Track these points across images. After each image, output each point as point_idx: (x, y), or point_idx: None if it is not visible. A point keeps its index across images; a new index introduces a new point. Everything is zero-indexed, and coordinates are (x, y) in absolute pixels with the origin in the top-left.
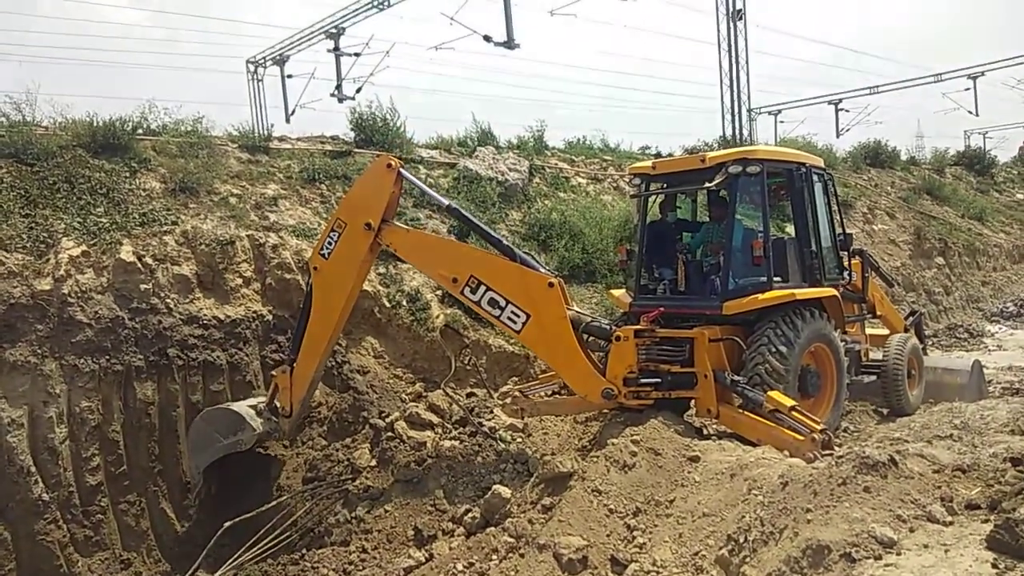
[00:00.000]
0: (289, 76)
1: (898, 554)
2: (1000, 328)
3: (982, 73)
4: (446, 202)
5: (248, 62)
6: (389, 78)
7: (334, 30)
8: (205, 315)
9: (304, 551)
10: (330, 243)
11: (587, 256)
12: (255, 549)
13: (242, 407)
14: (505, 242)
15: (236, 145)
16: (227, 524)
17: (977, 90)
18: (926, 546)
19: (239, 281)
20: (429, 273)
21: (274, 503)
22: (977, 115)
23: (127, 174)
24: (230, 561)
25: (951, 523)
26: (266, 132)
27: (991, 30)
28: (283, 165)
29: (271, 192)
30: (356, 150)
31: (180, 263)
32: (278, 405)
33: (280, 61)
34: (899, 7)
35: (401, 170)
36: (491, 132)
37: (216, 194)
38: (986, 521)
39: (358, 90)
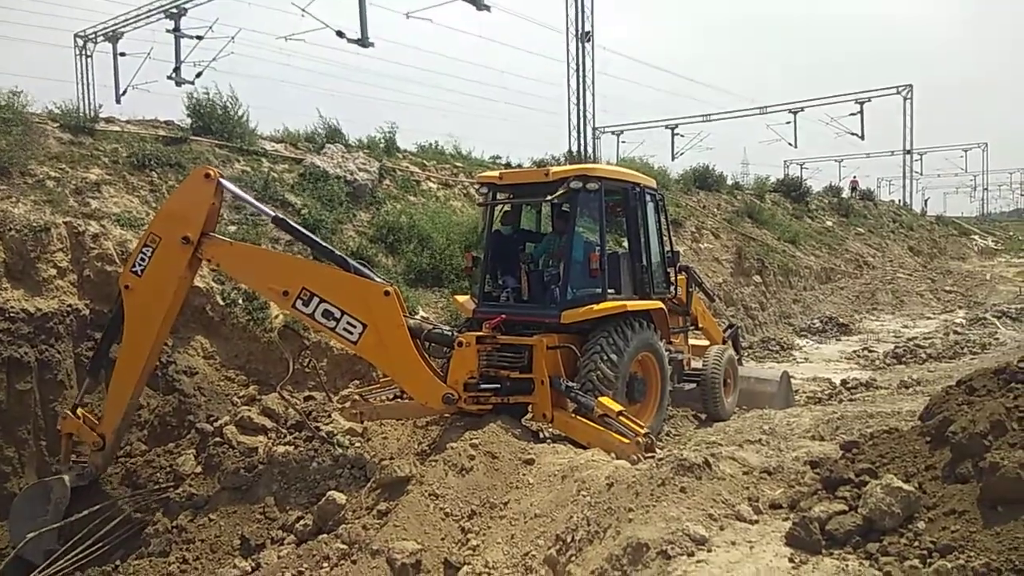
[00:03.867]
0: (122, 54)
1: (709, 551)
2: (808, 342)
3: (802, 109)
4: (272, 213)
5: (77, 36)
6: (233, 65)
7: (175, 10)
8: (12, 307)
9: (119, 562)
10: (143, 259)
11: (435, 261)
12: (63, 560)
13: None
14: (337, 252)
15: (57, 124)
16: (31, 535)
17: (797, 124)
18: (733, 543)
19: (53, 272)
20: (257, 288)
21: (86, 512)
22: (796, 147)
23: None
24: (36, 572)
25: (756, 521)
26: (92, 112)
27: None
28: (109, 149)
29: (94, 177)
30: (193, 137)
31: None
32: (79, 450)
33: (113, 38)
34: (735, 42)
35: (221, 180)
36: (340, 129)
37: (31, 176)
38: (787, 519)
39: (198, 75)
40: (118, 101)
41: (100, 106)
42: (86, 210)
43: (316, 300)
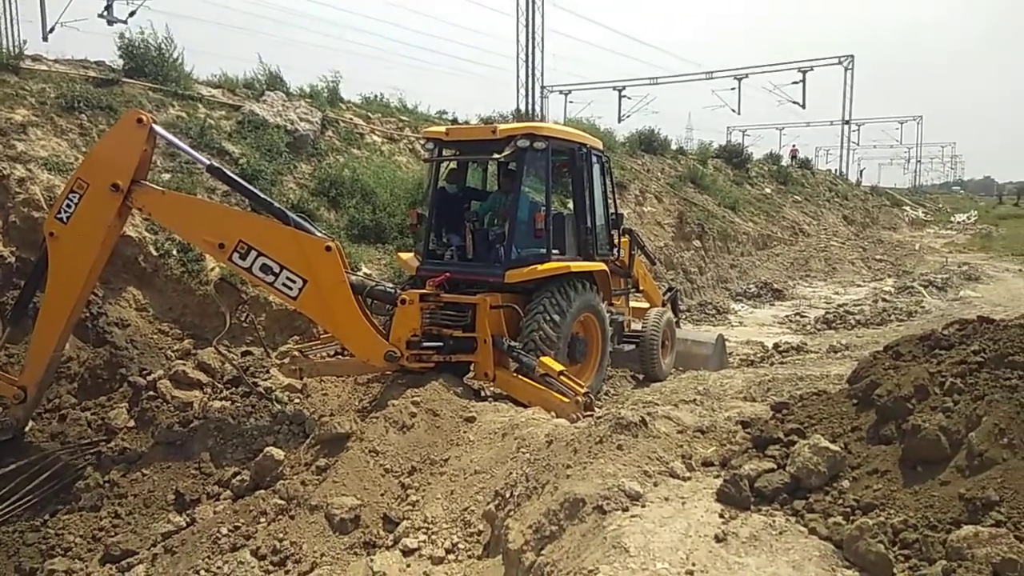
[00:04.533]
0: None
1: (643, 506)
2: (743, 307)
3: (746, 75)
4: (207, 161)
5: None
6: (169, 4)
7: None
8: None
9: (48, 517)
10: (69, 206)
11: (377, 217)
12: None
13: None
14: (276, 204)
15: None
16: None
17: (741, 91)
18: (667, 499)
19: None
20: (191, 239)
21: (13, 466)
22: (739, 114)
23: None
24: None
25: (689, 478)
26: (16, 50)
27: (758, 34)
28: (36, 89)
29: (19, 118)
30: (125, 79)
31: None
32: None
33: None
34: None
35: (154, 126)
36: (281, 77)
37: None
38: (718, 477)
39: (131, 13)
40: (45, 39)
41: (25, 42)
42: (11, 153)
43: (254, 254)
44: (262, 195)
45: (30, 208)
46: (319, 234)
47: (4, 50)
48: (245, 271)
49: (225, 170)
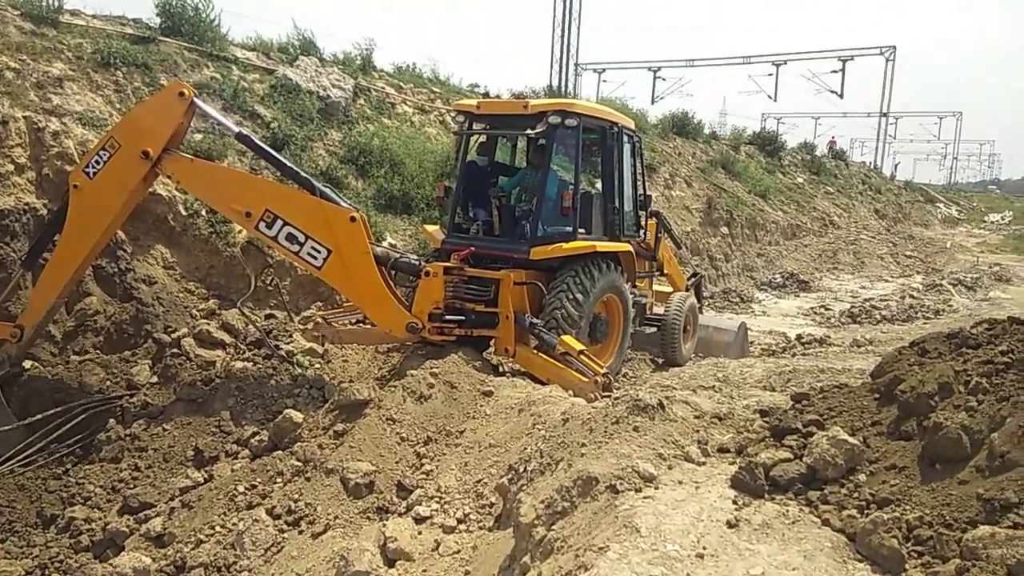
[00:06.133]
0: None
1: (656, 488)
2: (767, 296)
3: (785, 62)
4: (235, 129)
5: None
6: None
7: None
8: None
9: (69, 466)
10: (98, 162)
11: (405, 188)
12: (10, 463)
13: None
14: (303, 174)
15: (18, 12)
16: None
17: (778, 77)
18: (680, 482)
19: (10, 167)
20: (219, 207)
21: (39, 417)
22: (775, 100)
23: None
24: None
25: (704, 463)
26: (56, 3)
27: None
28: (74, 43)
29: (56, 72)
30: (161, 38)
31: None
32: None
33: None
34: None
35: (195, 99)
36: (315, 42)
37: None
38: (732, 463)
39: None
40: None
41: None
42: (47, 106)
43: (280, 223)
44: (289, 164)
45: (63, 161)
46: (345, 204)
47: (45, 3)
48: (271, 240)
49: (253, 138)
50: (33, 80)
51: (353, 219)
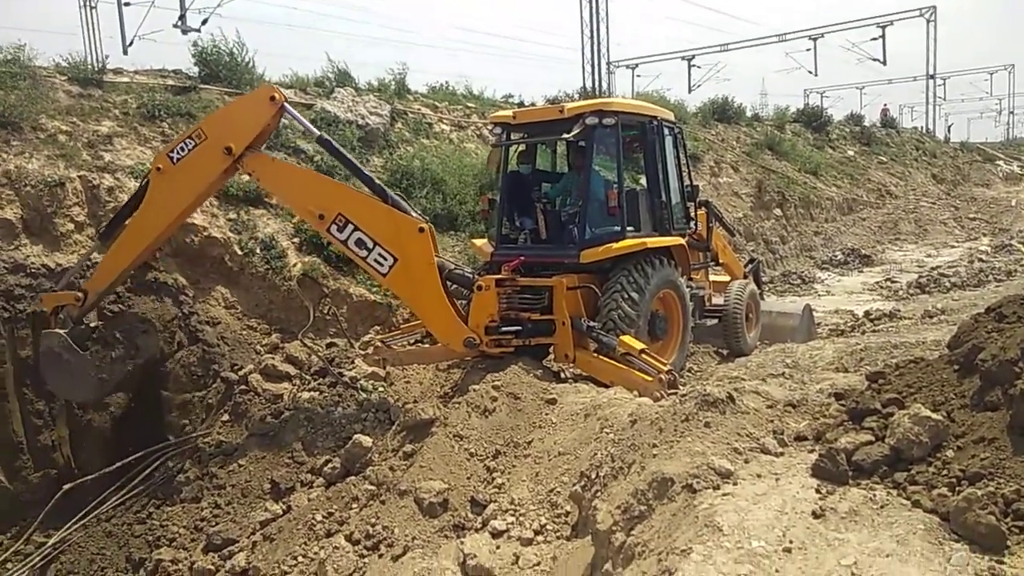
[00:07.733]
0: (127, 3)
1: (734, 484)
2: (829, 275)
3: (822, 35)
4: (318, 133)
5: None
6: (238, 9)
7: None
8: (32, 263)
9: (152, 510)
10: (183, 149)
11: (448, 205)
12: (97, 512)
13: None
14: (377, 182)
15: (65, 77)
16: (67, 486)
17: (817, 51)
18: (759, 475)
19: (70, 226)
20: (294, 207)
21: (119, 464)
22: (816, 75)
23: None
24: (72, 522)
25: (781, 454)
26: (100, 64)
27: None
28: (119, 100)
29: (105, 129)
30: (201, 86)
31: (3, 206)
32: (63, 317)
33: None
34: None
35: (286, 104)
36: (349, 72)
37: (42, 130)
38: (811, 451)
39: (204, 22)
40: (125, 52)
41: (107, 57)
42: (99, 163)
43: (351, 228)
44: (365, 171)
45: None
46: (414, 215)
47: (89, 65)
48: (341, 243)
49: (333, 142)
50: (84, 140)
51: (422, 230)
